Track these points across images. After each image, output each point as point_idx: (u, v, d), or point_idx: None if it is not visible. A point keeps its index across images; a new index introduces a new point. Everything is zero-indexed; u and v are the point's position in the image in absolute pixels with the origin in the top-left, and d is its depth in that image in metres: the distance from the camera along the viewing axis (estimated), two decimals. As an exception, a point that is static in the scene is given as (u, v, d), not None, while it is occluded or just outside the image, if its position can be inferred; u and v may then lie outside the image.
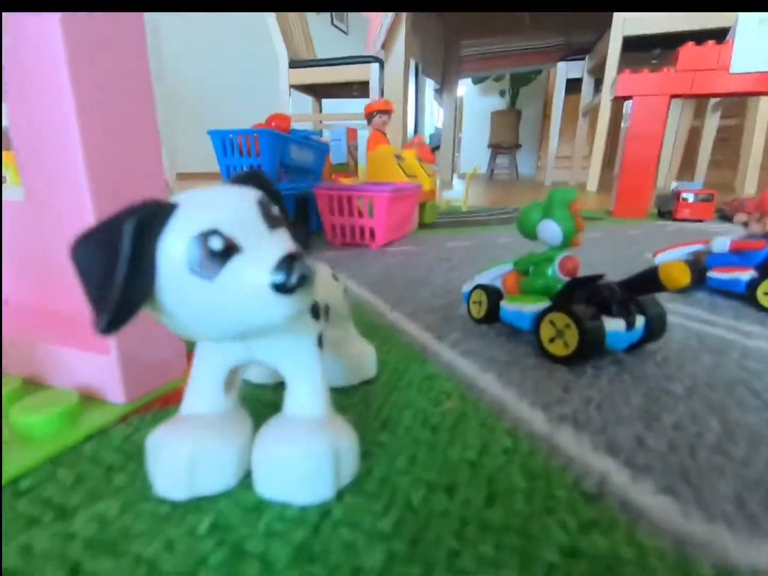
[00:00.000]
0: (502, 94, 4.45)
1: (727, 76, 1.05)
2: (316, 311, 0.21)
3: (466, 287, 0.42)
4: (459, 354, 0.33)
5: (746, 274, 0.45)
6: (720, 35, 1.13)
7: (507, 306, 0.36)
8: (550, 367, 0.31)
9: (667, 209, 1.21)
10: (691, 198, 1.13)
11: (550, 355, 0.32)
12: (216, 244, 0.14)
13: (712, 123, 2.17)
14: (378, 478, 0.20)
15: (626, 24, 1.82)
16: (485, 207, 1.55)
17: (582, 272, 0.34)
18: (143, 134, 0.24)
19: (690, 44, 1.07)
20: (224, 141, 0.76)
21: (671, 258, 0.53)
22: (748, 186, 1.84)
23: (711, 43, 1.05)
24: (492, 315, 0.38)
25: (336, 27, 3.27)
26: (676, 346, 0.35)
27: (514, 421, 0.25)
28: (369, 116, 1.03)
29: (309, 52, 1.97)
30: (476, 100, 4.66)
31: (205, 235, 0.14)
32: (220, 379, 0.20)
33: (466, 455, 0.21)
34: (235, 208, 0.15)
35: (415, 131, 3.96)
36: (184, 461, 0.17)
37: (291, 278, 0.14)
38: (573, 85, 2.66)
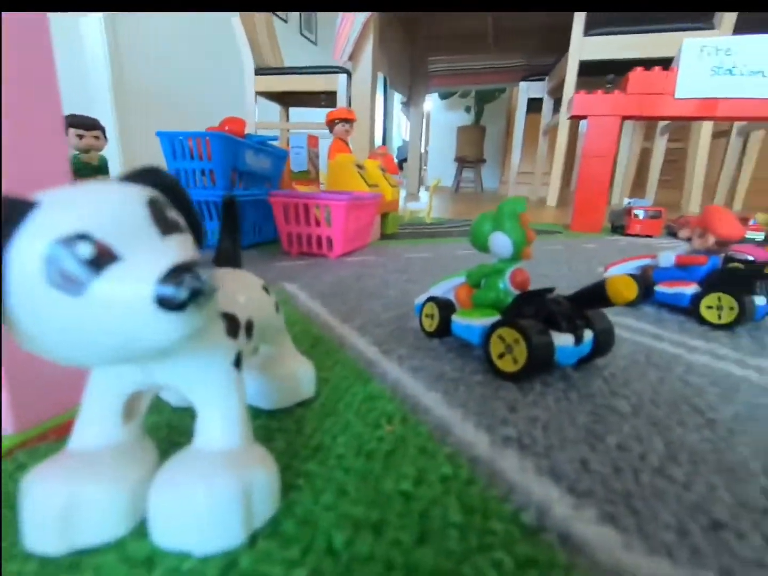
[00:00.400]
0: (467, 110, 4.56)
1: (673, 101, 1.11)
2: (234, 328, 0.19)
3: (419, 300, 0.40)
4: (406, 370, 0.31)
5: (690, 289, 0.46)
6: (670, 64, 1.19)
7: (458, 320, 0.35)
8: (498, 384, 0.30)
9: (619, 224, 1.25)
10: (641, 214, 1.18)
11: (499, 371, 0.31)
12: (85, 250, 0.12)
13: (660, 145, 2.31)
14: (299, 517, 0.18)
15: (583, 49, 1.91)
16: (449, 218, 1.56)
17: (540, 284, 0.33)
18: (45, 136, 0.21)
19: (639, 69, 1.12)
20: (173, 143, 0.72)
21: (621, 272, 0.54)
22: (693, 205, 1.95)
23: (657, 69, 1.11)
24: (444, 329, 0.37)
25: (304, 36, 3.25)
26: (623, 361, 0.34)
27: (456, 444, 0.23)
28: (330, 124, 1.01)
29: (276, 60, 1.94)
30: (442, 114, 4.76)
31: (70, 240, 0.12)
32: (115, 408, 0.17)
33: (401, 486, 0.20)
34: (115, 209, 0.13)
35: (384, 142, 3.98)
36: (57, 509, 0.14)
37: (180, 292, 0.12)
38: (534, 105, 2.76)
